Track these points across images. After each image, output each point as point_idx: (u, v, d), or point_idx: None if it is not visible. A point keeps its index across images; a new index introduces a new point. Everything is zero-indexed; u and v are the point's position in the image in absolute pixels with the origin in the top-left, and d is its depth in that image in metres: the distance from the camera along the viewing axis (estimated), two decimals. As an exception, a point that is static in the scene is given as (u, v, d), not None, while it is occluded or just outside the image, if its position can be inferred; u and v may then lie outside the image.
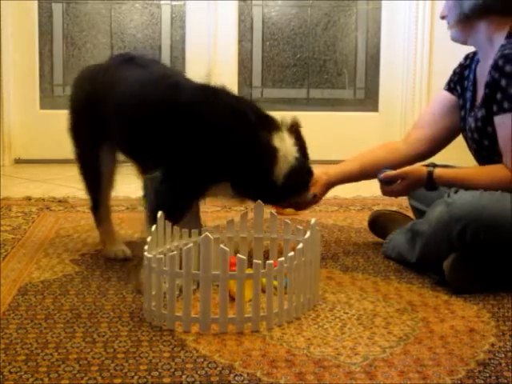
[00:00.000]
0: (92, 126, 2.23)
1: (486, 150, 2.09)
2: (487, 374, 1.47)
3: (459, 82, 2.24)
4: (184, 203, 2.05)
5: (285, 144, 2.04)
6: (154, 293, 1.71)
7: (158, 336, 1.63)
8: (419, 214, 2.31)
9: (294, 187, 2.11)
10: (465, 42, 2.14)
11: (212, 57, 4.03)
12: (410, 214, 2.47)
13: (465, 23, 2.08)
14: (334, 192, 3.24)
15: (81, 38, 4.05)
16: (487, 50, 2.08)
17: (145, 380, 1.42)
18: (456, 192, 1.97)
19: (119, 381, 1.42)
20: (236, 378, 1.44)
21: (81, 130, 2.29)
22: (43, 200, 3.02)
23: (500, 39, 2.04)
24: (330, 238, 2.50)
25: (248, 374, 1.45)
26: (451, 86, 2.27)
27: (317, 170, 2.26)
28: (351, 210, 2.97)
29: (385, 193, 2.21)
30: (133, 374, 1.44)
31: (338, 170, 2.37)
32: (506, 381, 1.44)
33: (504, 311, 1.82)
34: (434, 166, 2.10)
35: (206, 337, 1.63)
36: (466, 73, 2.23)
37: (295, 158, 2.06)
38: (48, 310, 1.78)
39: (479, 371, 1.48)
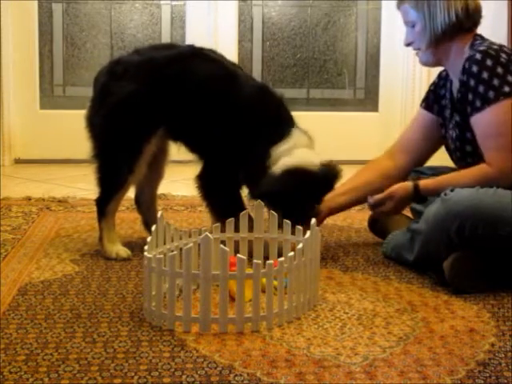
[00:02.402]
0: (146, 116, 2.26)
1: (469, 156, 2.13)
2: (487, 374, 1.47)
3: (436, 101, 2.31)
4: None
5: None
6: (154, 293, 1.71)
7: (158, 336, 1.63)
8: (418, 214, 2.31)
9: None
10: (438, 64, 2.23)
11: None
12: (410, 214, 2.47)
13: (437, 44, 2.14)
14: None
15: (81, 38, 4.05)
16: (457, 64, 2.14)
17: (145, 380, 1.42)
18: (452, 190, 1.98)
19: (119, 381, 1.42)
20: (236, 377, 1.44)
21: (127, 120, 2.26)
22: (43, 200, 3.02)
23: (466, 51, 2.11)
24: (329, 238, 2.50)
25: (248, 373, 1.45)
26: (429, 104, 2.34)
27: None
28: (351, 210, 2.97)
29: (378, 215, 2.31)
30: (133, 373, 1.44)
31: (337, 205, 2.36)
32: (505, 381, 1.44)
33: (504, 311, 1.82)
34: (417, 177, 2.17)
35: (206, 337, 1.63)
36: (442, 92, 2.29)
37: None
38: (48, 310, 1.78)
39: (479, 371, 1.48)
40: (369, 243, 2.44)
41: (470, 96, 2.04)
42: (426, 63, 2.24)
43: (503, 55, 2.04)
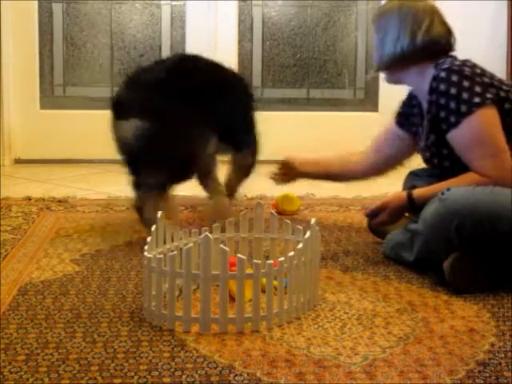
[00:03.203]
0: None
1: (449, 171, 2.14)
2: (487, 374, 1.47)
3: (406, 119, 2.41)
4: None
5: None
6: (154, 293, 1.71)
7: (158, 336, 1.63)
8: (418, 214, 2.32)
9: None
10: (398, 83, 2.29)
11: (212, 57, 4.02)
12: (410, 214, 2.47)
13: (388, 69, 2.25)
14: (333, 192, 3.26)
15: (81, 38, 4.05)
16: (421, 85, 2.19)
17: (145, 380, 1.42)
18: (448, 189, 1.99)
19: (119, 381, 1.42)
20: (236, 377, 1.44)
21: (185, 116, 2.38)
22: (43, 200, 3.02)
23: (430, 71, 2.14)
24: (329, 238, 2.50)
25: (248, 373, 1.45)
26: (400, 123, 2.45)
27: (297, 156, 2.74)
28: (351, 210, 2.98)
29: (374, 225, 2.38)
30: (133, 373, 1.45)
31: (310, 169, 2.68)
32: (505, 381, 1.45)
33: (504, 311, 1.82)
34: (412, 187, 2.20)
35: (206, 337, 1.63)
36: (413, 110, 2.35)
37: None
38: (48, 309, 1.78)
39: (479, 371, 1.48)
40: (369, 243, 2.45)
41: (443, 114, 2.08)
42: (387, 82, 2.32)
43: (466, 69, 2.08)
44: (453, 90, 2.05)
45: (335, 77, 4.21)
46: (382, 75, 2.35)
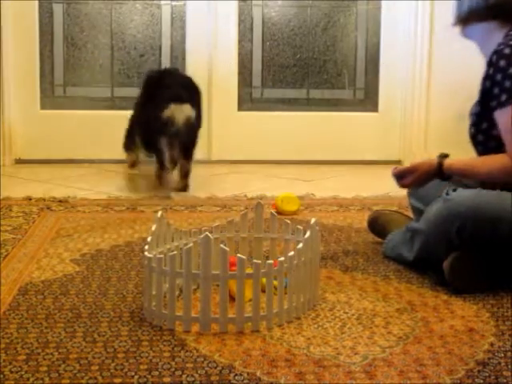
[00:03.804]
0: None
1: (480, 144, 2.10)
2: (486, 374, 1.47)
3: None
4: None
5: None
6: (154, 292, 1.71)
7: (159, 336, 1.63)
8: (419, 213, 2.31)
9: None
10: (469, 37, 2.18)
11: (212, 57, 4.03)
12: (410, 214, 2.47)
13: (463, 23, 2.14)
14: (333, 192, 3.26)
15: (81, 39, 4.05)
16: (486, 45, 2.11)
17: (145, 379, 1.42)
18: (454, 190, 1.98)
19: (119, 380, 1.42)
20: (236, 377, 1.44)
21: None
22: (44, 200, 3.03)
23: (497, 37, 2.06)
24: (329, 238, 2.50)
25: (248, 373, 1.46)
26: None
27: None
28: (351, 210, 2.98)
29: (400, 186, 2.28)
30: (133, 373, 1.45)
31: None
32: (505, 380, 1.45)
33: (503, 311, 1.82)
34: (445, 156, 2.14)
35: (206, 336, 1.63)
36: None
37: None
38: (48, 309, 1.79)
39: (478, 371, 1.48)
40: (369, 243, 2.45)
41: (496, 90, 2.00)
42: (461, 35, 2.20)
43: None
44: (511, 70, 1.97)
45: (335, 77, 4.21)
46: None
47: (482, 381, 1.44)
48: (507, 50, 1.98)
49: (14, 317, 1.73)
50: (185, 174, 3.37)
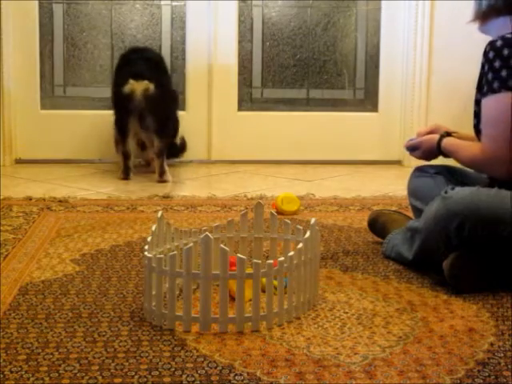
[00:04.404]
0: None
1: (474, 128, 2.15)
2: (486, 374, 1.47)
3: None
4: None
5: None
6: (154, 292, 1.72)
7: (159, 336, 1.64)
8: (419, 213, 2.32)
9: None
10: (487, 33, 2.19)
11: (212, 57, 4.03)
12: (410, 214, 2.47)
13: (482, 19, 2.16)
14: (333, 192, 3.26)
15: (81, 39, 4.05)
16: None
17: (145, 379, 1.42)
18: (453, 188, 1.99)
19: (119, 380, 1.42)
20: (236, 377, 1.44)
21: None
22: (44, 200, 3.03)
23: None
24: (329, 238, 2.50)
25: (248, 373, 1.46)
26: None
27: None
28: (351, 210, 2.98)
29: (413, 156, 2.36)
30: (133, 373, 1.45)
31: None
32: (505, 380, 1.45)
33: (503, 311, 1.82)
34: (448, 134, 2.22)
35: (206, 336, 1.63)
36: None
37: None
38: (49, 309, 1.79)
39: (478, 371, 1.48)
40: (369, 243, 2.45)
41: (484, 80, 2.05)
42: (480, 31, 2.22)
43: None
44: (497, 63, 2.00)
45: (335, 77, 4.21)
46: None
47: (481, 381, 1.44)
48: (499, 43, 2.01)
49: (14, 317, 1.73)
50: (159, 153, 3.51)
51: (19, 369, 1.45)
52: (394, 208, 2.82)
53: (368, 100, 4.23)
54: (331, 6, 4.15)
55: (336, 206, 3.03)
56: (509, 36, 2.03)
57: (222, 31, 4.02)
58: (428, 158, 2.31)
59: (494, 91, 2.01)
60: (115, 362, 1.50)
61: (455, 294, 1.93)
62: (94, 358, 1.51)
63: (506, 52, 1.99)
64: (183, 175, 3.75)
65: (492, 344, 1.62)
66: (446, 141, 2.20)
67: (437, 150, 2.22)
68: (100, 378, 1.43)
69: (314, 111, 4.18)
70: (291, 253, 1.75)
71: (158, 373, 1.45)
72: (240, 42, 4.09)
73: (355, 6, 4.16)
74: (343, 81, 4.22)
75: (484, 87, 2.04)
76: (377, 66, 4.15)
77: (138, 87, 3.42)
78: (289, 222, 2.04)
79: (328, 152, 4.13)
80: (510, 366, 1.50)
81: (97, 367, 1.47)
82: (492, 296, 1.92)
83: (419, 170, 2.40)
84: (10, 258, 2.22)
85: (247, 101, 4.17)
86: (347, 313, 1.80)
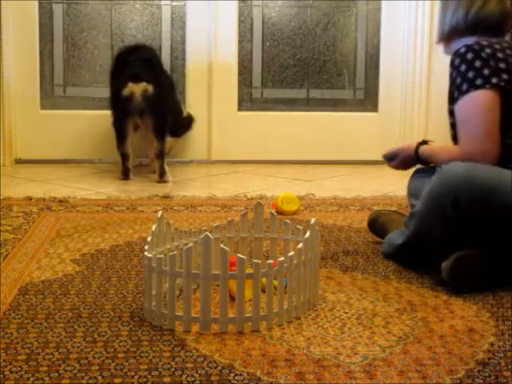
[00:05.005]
0: None
1: (453, 139, 2.22)
2: (486, 374, 1.47)
3: None
4: None
5: None
6: (154, 292, 1.72)
7: (159, 336, 1.64)
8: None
9: None
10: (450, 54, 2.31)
11: (212, 57, 4.03)
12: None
13: (446, 41, 2.30)
14: (333, 192, 3.26)
15: (81, 39, 4.05)
16: None
17: (145, 379, 1.42)
18: (448, 164, 2.04)
19: (119, 380, 1.42)
20: (236, 377, 1.44)
21: None
22: (44, 200, 3.03)
23: None
24: (329, 238, 2.50)
25: (248, 373, 1.46)
26: None
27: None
28: (351, 210, 2.98)
29: (390, 166, 2.46)
30: (133, 373, 1.45)
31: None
32: (505, 380, 1.45)
33: (503, 311, 1.82)
34: (425, 142, 2.31)
35: (206, 336, 1.63)
36: None
37: None
38: (48, 309, 1.79)
39: (478, 371, 1.48)
40: (369, 243, 2.45)
41: (453, 86, 2.15)
42: (445, 53, 2.34)
43: (487, 50, 2.10)
44: (463, 67, 2.10)
45: (335, 77, 4.21)
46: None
47: (481, 381, 1.44)
48: (462, 49, 2.13)
49: (14, 317, 1.73)
50: (158, 154, 3.52)
51: (19, 369, 1.45)
52: (393, 208, 2.82)
53: (368, 100, 4.23)
54: (331, 6, 4.15)
55: (336, 206, 3.03)
56: (470, 43, 2.14)
57: (222, 31, 4.02)
58: (405, 167, 2.39)
59: (464, 93, 2.10)
60: (115, 362, 1.50)
61: (455, 294, 1.93)
62: (94, 358, 1.51)
63: (469, 56, 2.10)
64: (183, 175, 3.75)
65: (492, 344, 1.62)
66: (424, 147, 2.28)
67: (414, 157, 2.29)
68: (100, 378, 1.43)
69: (314, 111, 4.18)
70: (291, 253, 1.75)
71: (157, 373, 1.45)
72: (240, 41, 4.09)
73: (355, 6, 4.16)
74: (343, 81, 4.22)
75: (455, 93, 2.12)
76: (377, 66, 4.15)
77: (137, 89, 3.42)
78: (289, 222, 2.04)
79: (328, 152, 4.13)
80: (510, 366, 1.50)
81: (97, 367, 1.47)
82: (492, 296, 1.92)
83: (419, 171, 2.41)
84: (10, 257, 2.22)
85: (247, 101, 4.17)
86: (347, 313, 1.80)
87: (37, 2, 3.95)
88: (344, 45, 4.19)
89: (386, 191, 3.27)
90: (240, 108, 4.12)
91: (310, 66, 4.18)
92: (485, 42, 2.13)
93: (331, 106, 4.22)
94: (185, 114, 3.91)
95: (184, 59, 4.06)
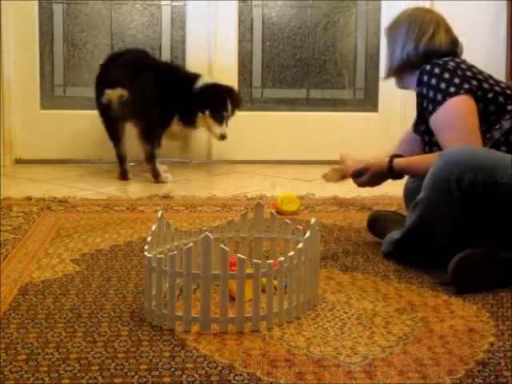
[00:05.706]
0: None
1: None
2: (486, 374, 1.47)
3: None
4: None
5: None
6: (154, 292, 1.72)
7: (159, 336, 1.64)
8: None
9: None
10: (407, 88, 2.47)
11: (212, 57, 4.03)
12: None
13: (396, 74, 2.41)
14: (333, 192, 3.26)
15: (81, 39, 4.06)
16: None
17: (145, 379, 1.42)
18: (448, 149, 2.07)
19: (119, 380, 1.42)
20: (236, 377, 1.44)
21: None
22: (44, 200, 3.03)
23: None
24: (329, 238, 2.50)
25: (248, 373, 1.46)
26: (415, 129, 2.48)
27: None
28: (351, 209, 2.98)
29: (357, 184, 2.54)
30: (133, 373, 1.45)
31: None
32: (505, 380, 1.45)
33: (503, 311, 1.82)
34: (396, 156, 2.36)
35: (206, 336, 1.63)
36: None
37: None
38: (48, 309, 1.79)
39: (478, 371, 1.48)
40: (369, 243, 2.45)
41: (425, 103, 2.22)
42: (398, 87, 2.50)
43: (451, 63, 2.20)
44: (433, 81, 2.18)
45: (335, 77, 4.21)
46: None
47: (481, 381, 1.44)
48: (428, 67, 2.21)
49: (14, 317, 1.73)
50: (147, 158, 3.51)
51: (19, 369, 1.45)
52: (393, 208, 2.82)
53: (368, 100, 4.23)
54: (331, 6, 4.15)
55: (336, 206, 3.03)
56: (433, 61, 2.22)
57: (222, 31, 4.02)
58: (375, 183, 2.44)
59: (440, 103, 2.16)
60: (115, 362, 1.50)
61: (455, 294, 1.93)
62: (94, 358, 1.51)
63: (437, 70, 2.19)
64: (183, 175, 3.75)
65: (492, 344, 1.62)
66: (398, 160, 2.32)
67: (387, 171, 2.32)
68: (100, 378, 1.43)
69: (314, 111, 4.18)
70: (291, 253, 1.75)
71: (158, 373, 1.45)
72: (240, 41, 4.09)
73: (355, 6, 4.17)
74: (343, 81, 4.22)
75: (429, 107, 2.19)
76: (377, 66, 4.15)
77: (113, 95, 3.38)
78: (289, 222, 2.04)
79: (328, 152, 4.13)
80: (510, 366, 1.50)
81: (97, 367, 1.47)
82: (492, 296, 1.92)
83: None
84: (10, 257, 2.22)
85: (247, 101, 4.17)
86: (347, 313, 1.80)
87: (37, 2, 3.96)
88: (344, 45, 4.19)
89: (386, 191, 3.27)
90: (240, 108, 4.12)
91: (310, 66, 4.18)
92: (446, 59, 2.22)
93: (331, 106, 4.23)
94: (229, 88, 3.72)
95: (184, 59, 4.06)
